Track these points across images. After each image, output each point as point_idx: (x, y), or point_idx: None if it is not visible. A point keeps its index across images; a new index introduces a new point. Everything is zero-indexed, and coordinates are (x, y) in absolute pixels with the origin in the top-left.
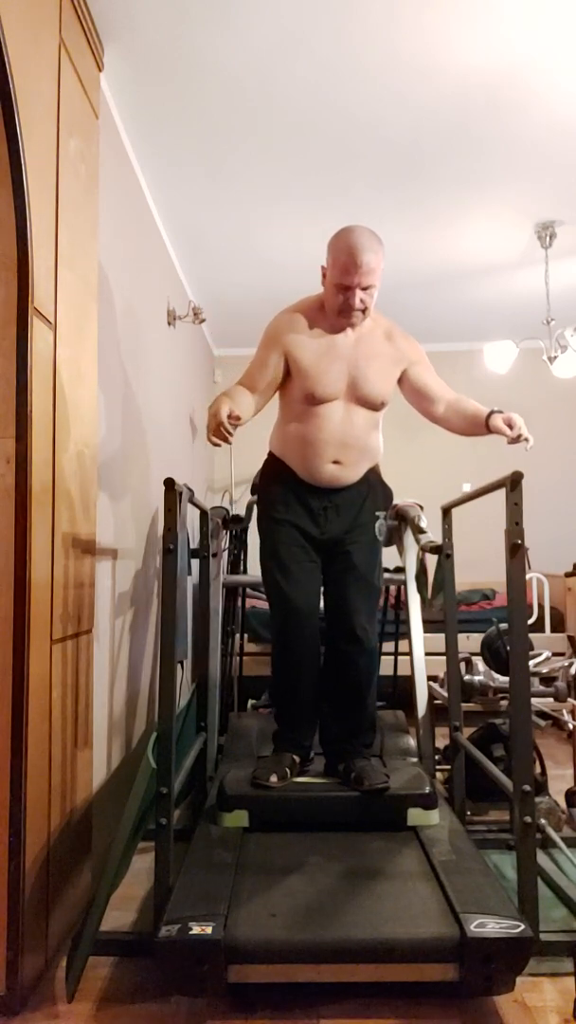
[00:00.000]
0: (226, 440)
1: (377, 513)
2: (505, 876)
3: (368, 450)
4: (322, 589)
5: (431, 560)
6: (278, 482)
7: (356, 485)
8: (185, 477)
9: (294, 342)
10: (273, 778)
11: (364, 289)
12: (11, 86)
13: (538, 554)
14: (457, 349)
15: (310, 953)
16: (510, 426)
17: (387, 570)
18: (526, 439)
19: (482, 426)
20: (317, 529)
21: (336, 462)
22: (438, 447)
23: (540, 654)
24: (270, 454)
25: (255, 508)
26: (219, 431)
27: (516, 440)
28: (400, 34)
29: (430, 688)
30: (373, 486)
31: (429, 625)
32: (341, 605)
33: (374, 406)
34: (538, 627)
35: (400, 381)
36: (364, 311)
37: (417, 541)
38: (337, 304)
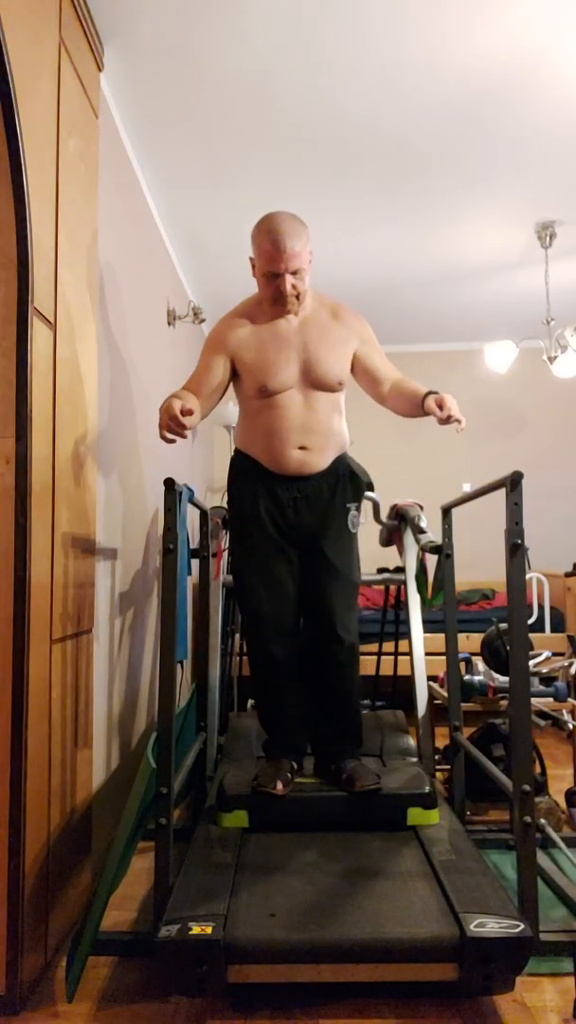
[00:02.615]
0: (180, 435)
1: (348, 505)
2: (505, 876)
3: (332, 435)
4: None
5: (431, 560)
6: (245, 477)
7: (324, 475)
8: (185, 477)
9: (237, 342)
10: (279, 785)
11: (293, 273)
12: (11, 86)
13: (538, 554)
14: (457, 349)
15: (310, 953)
16: (440, 407)
17: (387, 570)
18: (457, 420)
19: (419, 407)
20: (286, 522)
21: (302, 448)
22: (438, 447)
23: (540, 654)
24: (236, 451)
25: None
26: (171, 426)
27: (447, 421)
28: (400, 35)
29: (430, 688)
30: (342, 477)
31: (429, 625)
32: (321, 605)
33: (331, 387)
34: (538, 627)
35: (351, 364)
36: (298, 296)
37: (417, 541)
38: (269, 293)
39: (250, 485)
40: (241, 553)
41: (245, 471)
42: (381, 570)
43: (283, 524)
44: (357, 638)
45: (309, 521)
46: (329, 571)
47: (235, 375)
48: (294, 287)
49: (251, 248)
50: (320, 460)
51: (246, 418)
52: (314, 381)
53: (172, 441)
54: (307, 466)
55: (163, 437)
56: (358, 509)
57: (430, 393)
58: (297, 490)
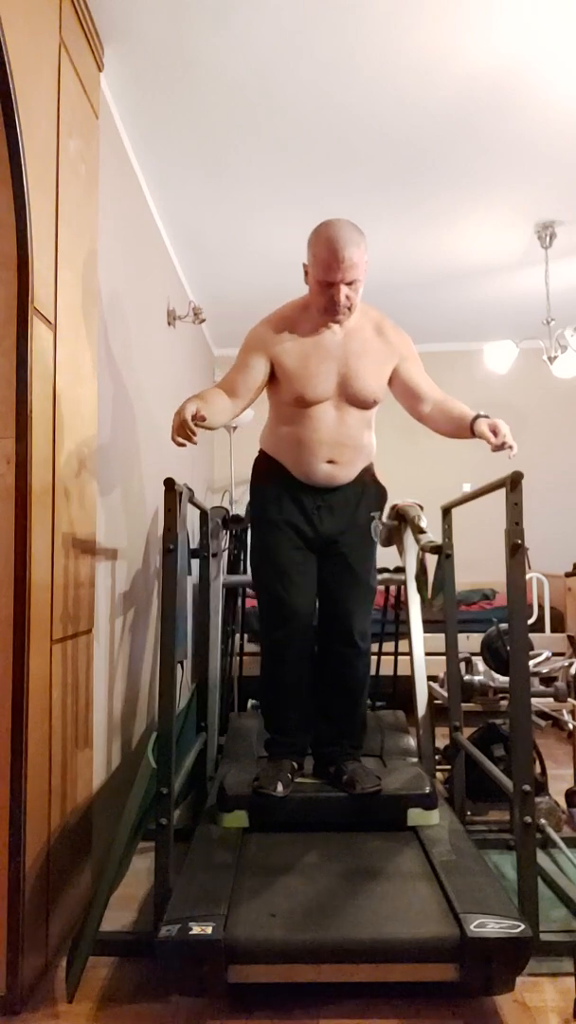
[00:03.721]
0: (189, 440)
1: (372, 514)
2: (505, 876)
3: (362, 449)
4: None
5: (431, 560)
6: (271, 480)
7: (351, 485)
8: (185, 477)
9: (279, 348)
10: (279, 787)
11: (348, 284)
12: (11, 86)
13: (538, 554)
14: (457, 349)
15: (310, 953)
16: (495, 433)
17: (387, 570)
18: (510, 447)
19: (467, 429)
20: (311, 528)
21: (331, 461)
22: (438, 447)
23: (540, 654)
24: (261, 452)
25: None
26: (182, 430)
27: (500, 448)
28: (400, 34)
29: (430, 688)
30: (367, 486)
31: (429, 625)
32: (338, 608)
33: (366, 405)
34: (538, 627)
35: (390, 378)
36: (350, 307)
37: (417, 541)
38: (322, 302)
39: (274, 489)
40: (262, 553)
41: (270, 475)
42: (381, 570)
43: (306, 530)
44: (370, 645)
45: (332, 528)
46: (350, 576)
47: (271, 378)
48: (348, 298)
49: (306, 253)
50: (348, 473)
51: (276, 423)
52: (350, 396)
53: (182, 445)
54: (335, 479)
55: (174, 441)
56: (380, 518)
57: (479, 416)
58: (323, 499)
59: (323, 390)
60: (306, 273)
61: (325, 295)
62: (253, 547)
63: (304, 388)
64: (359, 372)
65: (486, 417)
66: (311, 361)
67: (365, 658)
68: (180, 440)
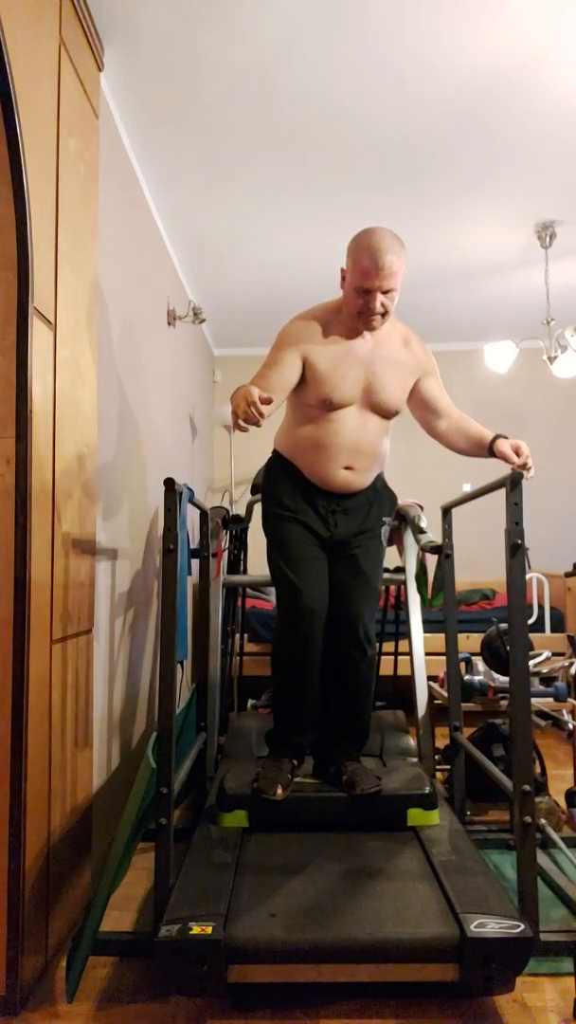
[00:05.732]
0: (256, 423)
1: (384, 519)
2: (505, 876)
3: (379, 457)
4: None
5: (431, 560)
6: (286, 480)
7: (365, 491)
8: (185, 477)
9: (312, 347)
10: (278, 790)
11: (385, 292)
12: (11, 86)
13: (538, 554)
14: (457, 349)
15: (310, 953)
16: (517, 453)
17: (387, 570)
18: (529, 468)
19: (484, 448)
20: (326, 530)
21: (348, 468)
22: (438, 447)
23: (540, 654)
24: (276, 453)
25: (256, 508)
26: (250, 413)
27: (522, 467)
28: (400, 35)
29: (430, 688)
30: (379, 492)
31: (429, 625)
32: (347, 609)
33: (387, 414)
34: (538, 627)
35: (409, 391)
36: (384, 315)
37: (417, 541)
38: (356, 308)
39: (289, 489)
40: (279, 549)
41: (286, 475)
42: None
43: (321, 531)
44: (375, 649)
45: (346, 531)
46: (360, 578)
47: (300, 379)
48: (383, 305)
49: (345, 259)
50: (364, 480)
51: (296, 425)
52: (374, 405)
53: (245, 430)
54: (351, 486)
55: (238, 426)
56: (389, 523)
57: (499, 437)
58: (337, 504)
59: (350, 395)
60: (343, 278)
61: (360, 301)
62: (269, 543)
63: (332, 391)
64: (384, 381)
65: (505, 438)
66: (341, 365)
67: (371, 663)
68: (245, 424)
